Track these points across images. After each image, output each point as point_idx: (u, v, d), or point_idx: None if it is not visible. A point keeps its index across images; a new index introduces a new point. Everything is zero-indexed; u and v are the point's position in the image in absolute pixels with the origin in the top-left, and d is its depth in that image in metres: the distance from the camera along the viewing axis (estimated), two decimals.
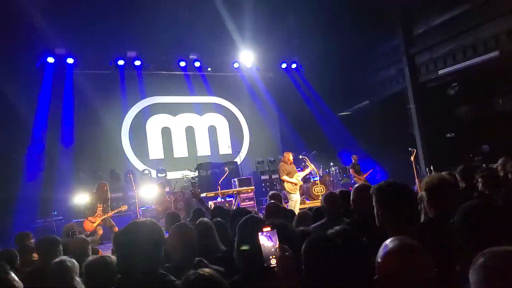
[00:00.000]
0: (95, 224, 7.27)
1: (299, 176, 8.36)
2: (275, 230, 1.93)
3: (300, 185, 8.51)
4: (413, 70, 11.19)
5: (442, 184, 2.26)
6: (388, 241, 1.18)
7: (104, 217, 7.37)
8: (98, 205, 7.37)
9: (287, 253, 1.70)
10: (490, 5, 9.07)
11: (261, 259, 1.88)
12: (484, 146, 8.84)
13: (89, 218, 7.33)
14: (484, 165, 6.82)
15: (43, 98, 10.23)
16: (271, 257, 1.83)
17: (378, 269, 1.15)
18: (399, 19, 11.30)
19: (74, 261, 2.66)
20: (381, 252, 1.16)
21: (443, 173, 2.74)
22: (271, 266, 1.81)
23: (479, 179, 3.86)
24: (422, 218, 2.44)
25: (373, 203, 1.95)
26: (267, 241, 1.90)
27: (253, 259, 2.05)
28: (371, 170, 10.51)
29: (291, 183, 8.11)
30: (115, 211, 7.79)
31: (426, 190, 2.31)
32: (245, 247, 2.18)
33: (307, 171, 9.05)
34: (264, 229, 1.93)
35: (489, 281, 0.96)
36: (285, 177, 8.10)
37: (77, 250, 3.53)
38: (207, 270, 1.67)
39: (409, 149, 9.56)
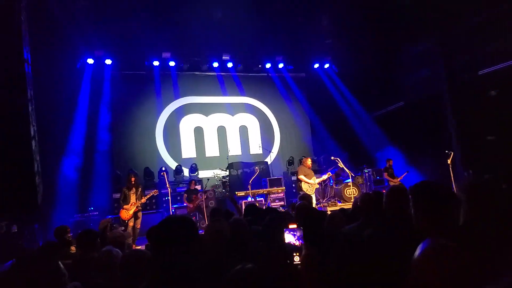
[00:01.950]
0: (130, 212, 7.95)
1: (316, 180, 8.79)
2: (301, 228, 1.93)
3: (319, 190, 8.83)
4: (450, 71, 10.78)
5: (485, 186, 2.17)
6: (425, 241, 1.16)
7: (138, 204, 8.05)
8: (131, 194, 8.05)
9: (311, 252, 1.68)
10: None
11: (285, 256, 1.88)
12: None
13: (125, 207, 8.00)
14: None
15: (82, 97, 10.71)
16: (295, 254, 1.83)
17: (414, 269, 1.13)
18: (436, 18, 10.91)
19: (119, 251, 2.76)
20: (418, 251, 1.15)
21: (485, 176, 2.64)
22: (295, 263, 1.81)
23: None
24: (461, 221, 2.35)
25: (411, 204, 1.91)
26: (292, 238, 1.90)
27: (277, 255, 2.06)
28: (405, 174, 10.28)
29: (308, 183, 8.53)
30: (148, 196, 8.49)
31: (466, 193, 2.23)
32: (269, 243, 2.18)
33: (324, 177, 9.33)
34: (290, 227, 1.94)
35: None
36: (302, 177, 8.60)
37: (114, 243, 3.67)
38: (250, 265, 1.69)
39: (446, 151, 9.23)
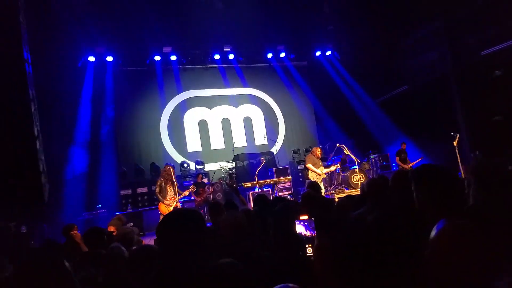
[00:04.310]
0: (171, 208, 7.37)
1: (323, 170, 8.76)
2: (313, 219, 1.90)
3: (326, 179, 8.89)
4: (456, 52, 10.62)
5: (493, 167, 2.14)
6: (441, 222, 1.14)
7: (177, 198, 7.59)
8: (167, 187, 7.55)
9: (323, 243, 1.65)
10: None
11: (297, 248, 1.86)
12: None
13: (166, 202, 7.45)
14: None
15: (85, 96, 10.73)
16: (307, 245, 1.81)
17: (431, 247, 1.12)
18: (439, 0, 10.73)
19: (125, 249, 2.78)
20: (434, 231, 1.13)
21: (493, 156, 2.59)
22: (307, 255, 1.79)
23: None
24: (471, 203, 2.32)
25: (412, 188, 1.89)
26: (304, 229, 1.88)
27: (289, 247, 2.03)
28: (419, 159, 10.01)
29: (315, 172, 8.55)
30: (187, 192, 8.17)
31: (475, 175, 2.20)
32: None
33: (332, 168, 9.23)
34: (301, 218, 1.91)
35: None
36: (309, 166, 8.62)
37: (123, 240, 3.69)
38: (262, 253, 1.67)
39: (452, 133, 9.14)
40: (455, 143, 9.08)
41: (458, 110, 10.64)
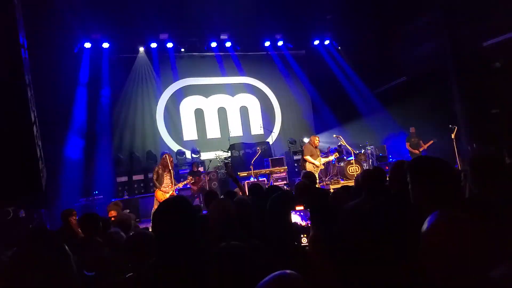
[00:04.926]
0: (167, 195, 7.45)
1: (321, 160, 8.63)
2: (308, 209, 1.90)
3: (321, 169, 8.77)
4: (455, 43, 10.57)
5: (490, 160, 2.15)
6: (434, 214, 1.13)
7: (175, 187, 7.71)
8: (165, 175, 7.61)
9: (318, 233, 1.65)
10: None
11: (292, 238, 1.86)
12: None
13: (162, 189, 7.52)
14: None
15: (81, 82, 10.62)
16: (302, 235, 1.81)
17: (423, 240, 1.11)
18: None
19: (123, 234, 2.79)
20: (426, 224, 1.12)
21: (490, 149, 2.60)
22: (302, 245, 1.79)
23: None
24: (467, 195, 2.34)
25: (408, 179, 1.89)
26: (299, 219, 1.88)
27: (284, 237, 2.04)
28: (430, 142, 9.82)
29: (313, 164, 8.38)
30: (186, 182, 8.29)
31: (471, 167, 2.21)
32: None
33: (330, 158, 9.21)
34: (297, 208, 1.91)
35: None
36: (308, 157, 8.44)
37: (121, 225, 3.70)
38: (237, 243, 1.68)
39: (450, 125, 9.15)
40: (453, 136, 9.12)
41: (456, 102, 10.64)
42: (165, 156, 7.72)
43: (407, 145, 10.11)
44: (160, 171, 7.57)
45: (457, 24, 10.47)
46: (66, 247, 1.62)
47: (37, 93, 7.79)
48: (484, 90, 9.66)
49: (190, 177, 8.60)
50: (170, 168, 7.67)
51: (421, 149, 9.83)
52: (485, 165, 2.16)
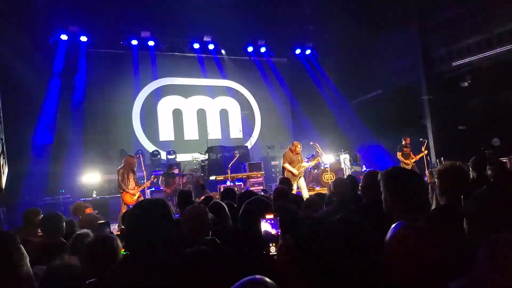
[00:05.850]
0: (135, 197, 7.28)
1: (303, 166, 8.44)
2: (278, 218, 1.90)
3: (301, 176, 8.49)
4: (428, 61, 11.00)
5: (455, 171, 2.22)
6: (396, 224, 1.15)
7: (141, 188, 7.53)
8: (130, 178, 7.40)
9: (288, 242, 1.65)
10: (506, 0, 8.88)
11: (261, 246, 1.85)
12: (494, 140, 8.65)
13: (129, 191, 7.30)
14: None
15: (55, 75, 10.26)
16: (271, 244, 1.80)
17: (386, 250, 1.13)
18: (415, 9, 11.09)
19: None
20: (389, 234, 1.14)
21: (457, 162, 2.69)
22: (271, 254, 1.78)
23: (489, 170, 3.79)
24: (434, 206, 2.40)
25: (381, 189, 1.92)
26: (269, 228, 1.87)
27: (253, 245, 2.03)
28: (422, 154, 9.47)
29: (291, 172, 8.22)
30: (149, 182, 8.03)
31: (439, 177, 2.27)
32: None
33: (312, 163, 9.06)
34: (267, 216, 1.91)
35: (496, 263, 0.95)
36: (286, 165, 8.28)
37: (88, 226, 3.57)
38: (202, 247, 1.67)
39: (420, 139, 9.41)
40: (423, 148, 9.39)
41: (427, 117, 11.02)
42: (128, 158, 7.57)
43: (399, 155, 9.74)
44: (125, 174, 7.36)
45: (430, 43, 10.95)
46: (22, 248, 1.55)
47: (4, 84, 7.42)
48: (452, 106, 10.07)
49: (153, 176, 8.39)
50: (135, 170, 7.53)
51: (413, 160, 9.55)
52: (451, 175, 2.23)
